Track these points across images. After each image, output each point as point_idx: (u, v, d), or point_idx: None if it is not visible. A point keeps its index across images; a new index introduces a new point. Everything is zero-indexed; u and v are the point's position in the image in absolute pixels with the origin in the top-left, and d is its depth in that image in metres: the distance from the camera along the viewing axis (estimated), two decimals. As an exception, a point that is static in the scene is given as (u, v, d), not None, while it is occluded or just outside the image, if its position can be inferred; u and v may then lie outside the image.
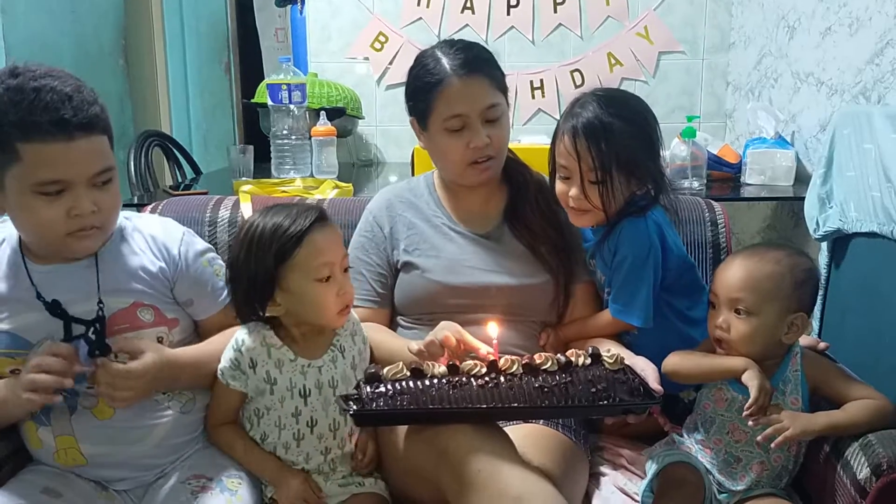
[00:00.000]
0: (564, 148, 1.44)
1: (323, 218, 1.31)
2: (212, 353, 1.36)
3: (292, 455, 1.34)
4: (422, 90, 1.50)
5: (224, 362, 1.33)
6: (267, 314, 1.32)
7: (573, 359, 1.27)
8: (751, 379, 1.27)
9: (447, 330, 1.32)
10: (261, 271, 1.27)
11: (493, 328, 1.32)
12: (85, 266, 1.31)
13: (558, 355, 1.28)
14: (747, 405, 1.26)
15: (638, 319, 1.47)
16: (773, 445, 1.24)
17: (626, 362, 1.30)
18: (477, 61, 1.49)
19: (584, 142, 1.40)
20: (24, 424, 1.32)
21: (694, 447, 1.39)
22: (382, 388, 1.22)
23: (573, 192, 1.44)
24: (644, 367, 1.31)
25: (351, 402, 1.21)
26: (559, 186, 1.48)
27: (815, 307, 1.89)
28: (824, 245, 1.87)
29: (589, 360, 1.28)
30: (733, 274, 1.31)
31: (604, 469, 1.48)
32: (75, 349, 1.24)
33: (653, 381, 1.28)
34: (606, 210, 1.44)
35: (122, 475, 1.33)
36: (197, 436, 1.40)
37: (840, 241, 1.79)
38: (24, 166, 1.18)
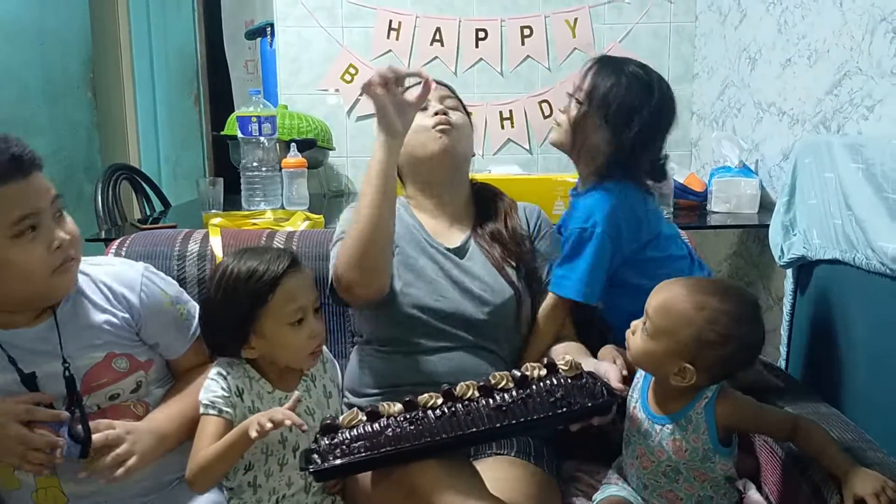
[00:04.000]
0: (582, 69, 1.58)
1: (295, 263, 1.34)
2: (194, 405, 1.35)
3: (275, 481, 1.32)
4: None
5: (211, 394, 1.31)
6: (243, 356, 1.34)
7: (528, 372, 1.26)
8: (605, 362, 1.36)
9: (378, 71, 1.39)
10: (236, 316, 1.30)
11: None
12: (47, 329, 1.28)
13: (513, 371, 1.27)
14: None
15: (575, 294, 1.51)
16: None
17: (589, 369, 1.29)
18: None
19: (594, 71, 1.55)
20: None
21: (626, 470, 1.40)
22: (339, 438, 1.20)
23: (563, 105, 1.58)
24: (607, 370, 1.32)
25: (315, 456, 1.19)
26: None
27: (783, 333, 1.92)
28: (790, 272, 1.91)
29: (544, 371, 1.26)
30: (660, 293, 1.28)
31: (577, 501, 1.48)
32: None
33: (615, 381, 1.28)
34: (574, 129, 1.54)
35: None
36: (178, 476, 1.37)
37: (805, 268, 1.82)
38: None
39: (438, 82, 1.62)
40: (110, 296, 1.35)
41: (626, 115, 1.50)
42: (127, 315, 1.35)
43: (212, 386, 1.32)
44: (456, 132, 1.60)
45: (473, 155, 1.71)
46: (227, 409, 1.30)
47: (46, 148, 3.22)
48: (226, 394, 1.31)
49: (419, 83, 1.46)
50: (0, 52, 2.85)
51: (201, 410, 1.31)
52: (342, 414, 1.39)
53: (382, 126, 1.41)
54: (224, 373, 1.33)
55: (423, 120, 1.58)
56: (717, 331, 1.22)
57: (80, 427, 1.23)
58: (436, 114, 1.60)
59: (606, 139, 1.52)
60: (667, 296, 1.26)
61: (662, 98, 1.53)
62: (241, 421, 1.30)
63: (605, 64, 1.55)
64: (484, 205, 1.67)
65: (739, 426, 1.30)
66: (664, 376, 1.27)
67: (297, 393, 1.26)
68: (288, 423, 1.19)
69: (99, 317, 1.32)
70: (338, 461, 1.17)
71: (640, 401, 1.35)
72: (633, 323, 1.32)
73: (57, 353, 1.26)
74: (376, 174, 1.42)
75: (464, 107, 1.68)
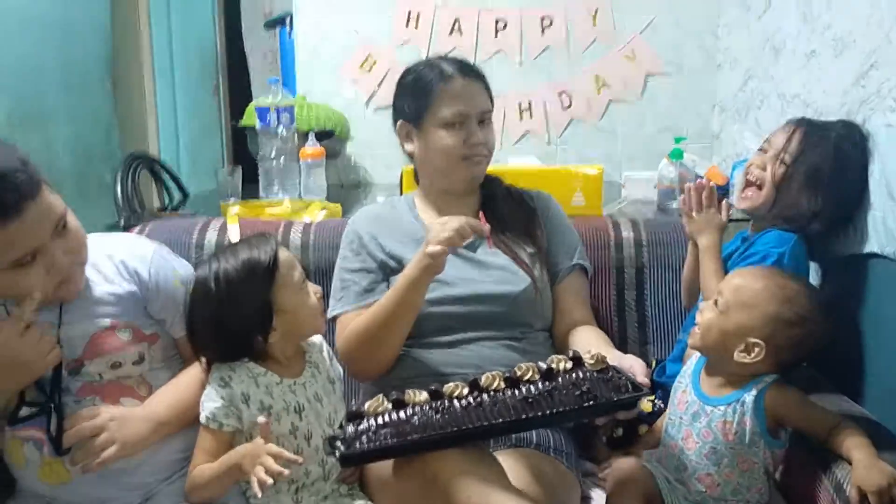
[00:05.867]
0: (782, 128, 1.64)
1: (273, 238, 1.37)
2: (196, 392, 1.35)
3: (292, 472, 1.30)
4: (422, 89, 1.55)
5: (211, 405, 1.30)
6: (270, 340, 1.33)
7: (554, 365, 1.26)
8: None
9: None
10: (256, 305, 1.30)
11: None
12: (48, 312, 1.29)
13: (539, 363, 1.27)
14: None
15: None
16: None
17: (613, 363, 1.28)
18: (474, 69, 1.59)
19: (801, 132, 1.60)
20: (9, 442, 1.30)
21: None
22: (365, 425, 1.20)
23: (760, 159, 1.63)
24: (632, 364, 1.30)
25: (338, 442, 1.19)
26: (753, 157, 1.67)
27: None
28: (814, 265, 1.87)
29: (570, 364, 1.26)
30: (737, 276, 1.35)
31: (593, 493, 1.48)
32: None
33: (640, 376, 1.27)
34: (778, 189, 1.58)
35: (107, 495, 1.32)
36: (188, 455, 1.37)
37: (834, 262, 1.78)
38: None
39: (476, 72, 1.58)
40: (122, 269, 1.37)
41: (834, 181, 1.57)
42: (135, 288, 1.36)
43: (211, 395, 1.31)
44: (489, 157, 1.59)
45: None
46: (229, 421, 1.30)
47: (67, 137, 3.24)
48: (226, 403, 1.30)
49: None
50: (21, 44, 2.86)
51: (201, 421, 1.31)
52: (344, 401, 1.42)
53: (431, 268, 1.40)
54: (225, 380, 1.32)
55: (453, 142, 1.53)
56: (796, 311, 1.27)
57: (55, 425, 1.25)
58: (474, 144, 1.54)
59: (805, 196, 1.56)
60: (747, 277, 1.33)
61: (863, 160, 1.61)
62: (249, 430, 1.29)
63: (812, 127, 1.61)
64: (487, 194, 1.65)
65: (785, 418, 1.30)
66: (728, 354, 1.29)
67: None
68: (286, 472, 1.19)
69: (106, 290, 1.35)
70: (366, 446, 1.17)
71: (690, 384, 1.37)
72: (702, 304, 1.37)
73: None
74: (404, 288, 1.43)
75: (491, 100, 1.61)
